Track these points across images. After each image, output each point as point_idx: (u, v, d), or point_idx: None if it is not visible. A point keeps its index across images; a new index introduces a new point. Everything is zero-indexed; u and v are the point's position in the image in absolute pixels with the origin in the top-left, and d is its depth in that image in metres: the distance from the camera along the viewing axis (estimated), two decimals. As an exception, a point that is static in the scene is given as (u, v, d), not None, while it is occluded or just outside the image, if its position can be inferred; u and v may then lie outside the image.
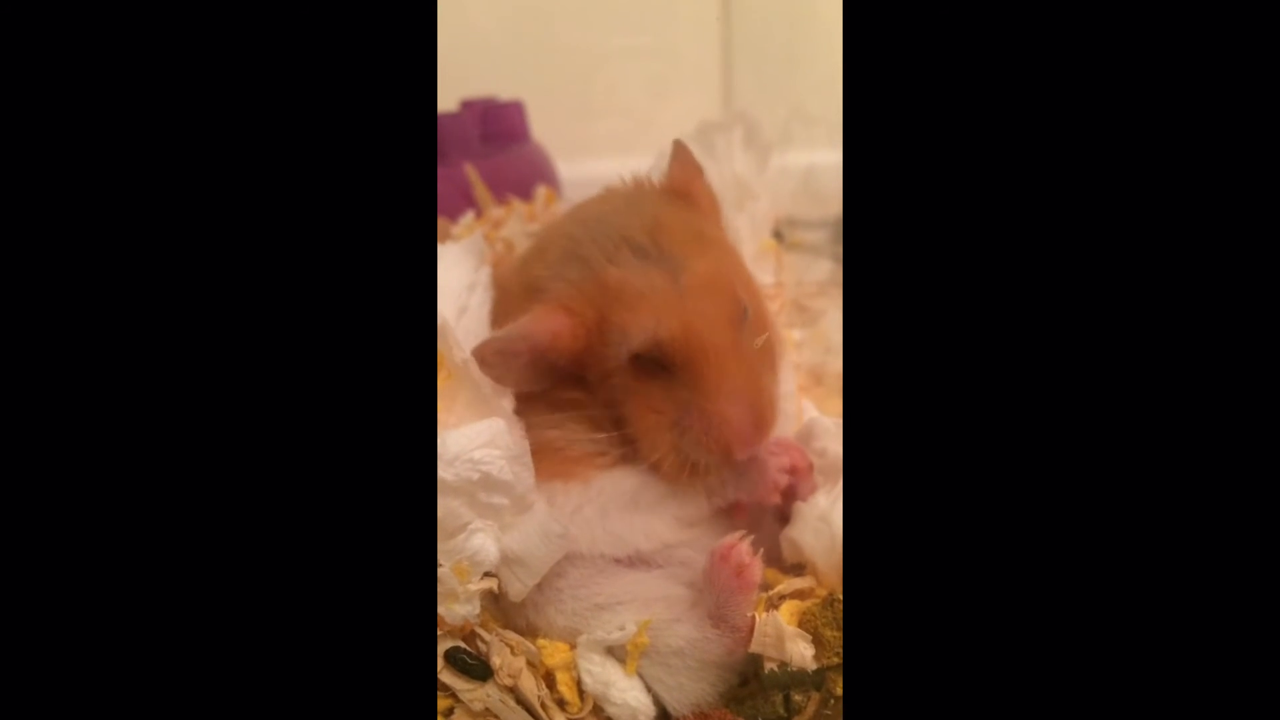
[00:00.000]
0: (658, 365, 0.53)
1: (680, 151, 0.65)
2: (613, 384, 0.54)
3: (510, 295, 0.59)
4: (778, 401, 0.55)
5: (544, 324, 0.54)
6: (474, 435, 0.50)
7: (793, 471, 0.58)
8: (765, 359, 0.56)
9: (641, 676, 0.52)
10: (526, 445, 0.52)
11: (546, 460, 0.54)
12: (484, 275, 0.63)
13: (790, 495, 0.58)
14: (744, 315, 0.55)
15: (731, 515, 0.57)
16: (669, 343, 0.52)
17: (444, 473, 0.49)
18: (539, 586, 0.54)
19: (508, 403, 0.55)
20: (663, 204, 0.60)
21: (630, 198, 0.61)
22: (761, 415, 0.53)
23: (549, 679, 0.53)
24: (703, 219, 0.62)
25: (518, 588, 0.53)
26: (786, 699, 0.51)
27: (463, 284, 0.61)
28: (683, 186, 0.63)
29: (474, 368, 0.54)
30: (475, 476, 0.49)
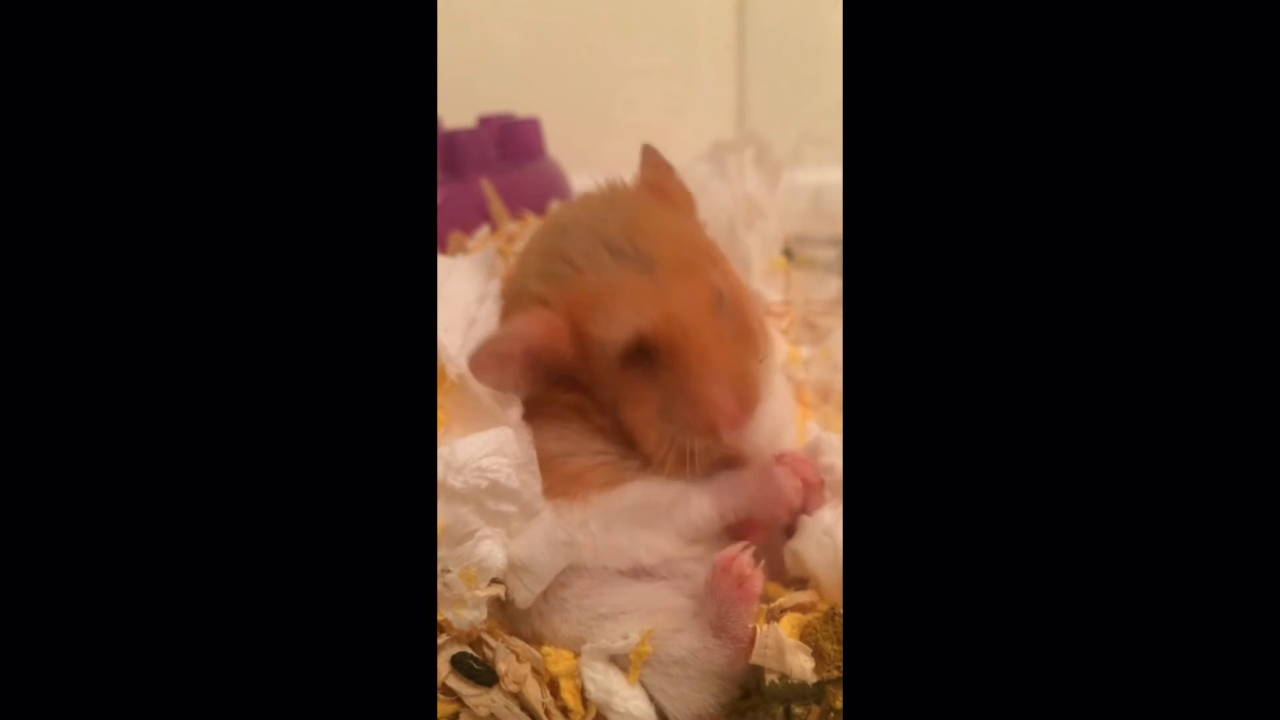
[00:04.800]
0: (643, 357, 0.54)
1: (649, 154, 0.67)
2: (607, 388, 0.55)
3: (506, 303, 0.61)
4: (760, 381, 0.56)
5: (534, 326, 0.55)
6: (482, 443, 0.51)
7: (804, 486, 0.59)
8: (745, 340, 0.58)
9: (644, 686, 0.53)
10: (534, 453, 0.53)
11: (549, 477, 0.55)
12: (494, 288, 0.64)
13: (799, 509, 0.59)
14: (720, 301, 0.56)
15: (744, 534, 0.58)
16: (649, 333, 0.53)
17: (452, 480, 0.50)
18: (544, 596, 0.54)
19: (513, 411, 0.56)
20: (638, 204, 0.61)
21: (607, 200, 0.63)
22: (745, 393, 0.53)
23: (553, 686, 0.54)
24: (677, 214, 0.63)
25: (524, 595, 0.53)
26: (787, 712, 0.52)
27: (472, 296, 0.62)
28: (655, 184, 0.64)
29: (471, 381, 0.55)
30: (483, 484, 0.50)
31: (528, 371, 0.56)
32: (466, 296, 0.62)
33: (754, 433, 0.57)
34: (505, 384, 0.56)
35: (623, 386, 0.55)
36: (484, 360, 0.55)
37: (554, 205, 0.96)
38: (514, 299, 0.59)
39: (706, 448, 0.55)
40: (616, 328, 0.53)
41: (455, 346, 0.57)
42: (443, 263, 0.65)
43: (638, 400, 0.55)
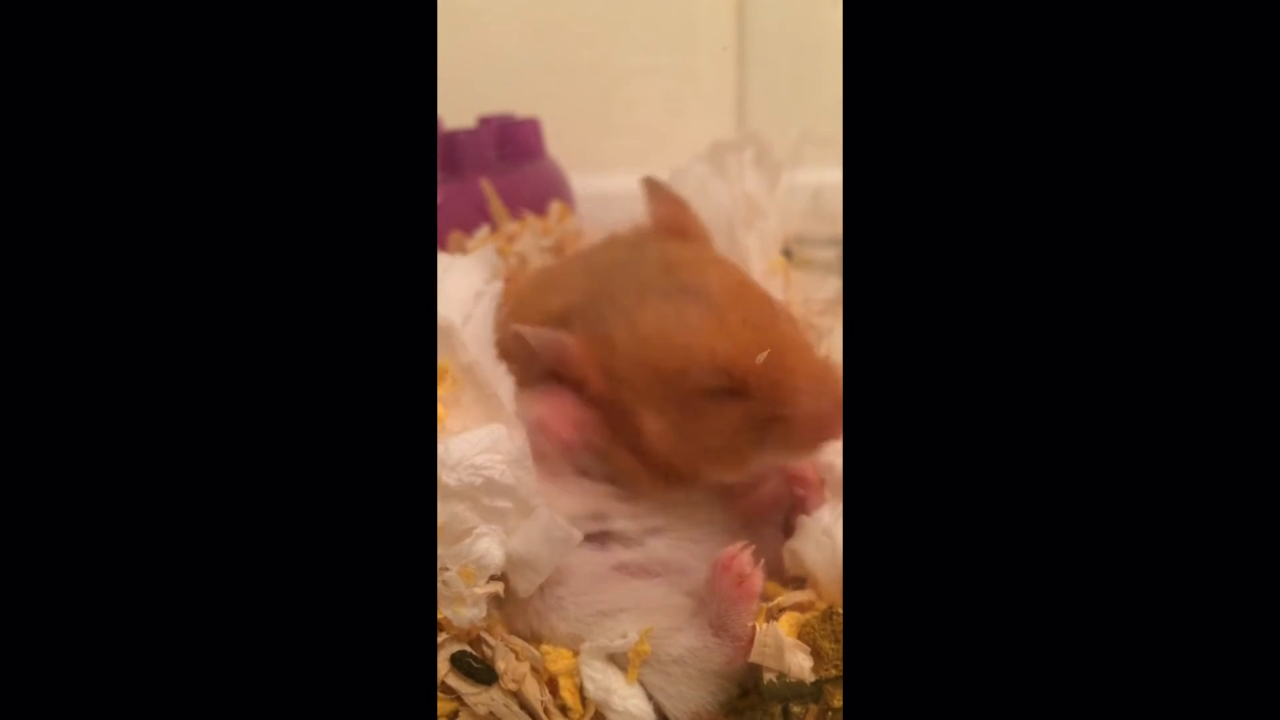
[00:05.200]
0: (723, 390, 0.53)
1: (654, 189, 0.66)
2: (670, 414, 0.55)
3: (531, 320, 0.60)
4: (835, 368, 0.55)
5: (578, 363, 0.55)
6: (475, 441, 0.51)
7: (803, 484, 0.59)
8: (804, 338, 0.58)
9: (643, 684, 0.53)
10: (528, 449, 0.53)
11: None
12: (494, 287, 0.64)
13: (799, 508, 0.59)
14: (778, 312, 0.56)
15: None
16: (730, 367, 0.53)
17: (447, 478, 0.50)
18: (542, 594, 0.54)
19: (510, 406, 0.56)
20: (664, 243, 0.61)
21: (632, 245, 0.63)
22: (833, 393, 0.53)
23: (552, 685, 0.54)
24: (702, 247, 0.63)
25: (525, 586, 0.53)
26: (785, 710, 0.52)
27: (470, 292, 0.62)
28: (672, 223, 0.64)
29: (480, 369, 0.55)
30: (478, 481, 0.50)
31: (547, 379, 0.56)
32: (464, 293, 0.63)
33: None
34: (522, 361, 0.57)
35: (696, 415, 0.54)
36: (534, 338, 0.55)
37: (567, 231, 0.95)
38: (553, 322, 0.58)
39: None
40: (694, 369, 0.53)
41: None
42: (442, 260, 0.65)
43: (723, 429, 0.54)
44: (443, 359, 0.57)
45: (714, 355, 0.53)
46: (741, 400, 0.53)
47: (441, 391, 0.56)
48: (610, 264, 0.60)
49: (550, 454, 0.56)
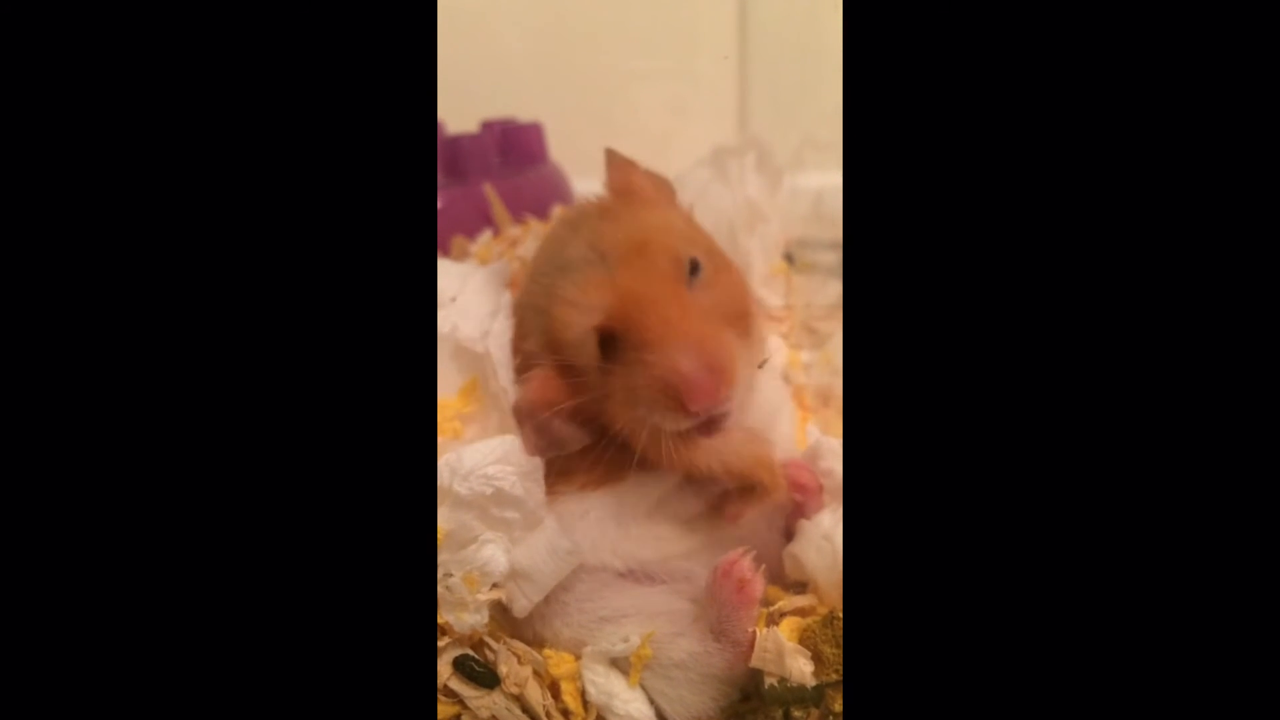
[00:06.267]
0: (613, 349, 0.52)
1: (612, 157, 0.66)
2: (598, 393, 0.54)
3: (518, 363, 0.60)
4: (735, 353, 0.52)
5: (530, 391, 0.54)
6: (488, 451, 0.51)
7: (801, 490, 0.59)
8: (725, 310, 0.55)
9: (644, 688, 0.53)
10: (539, 463, 0.54)
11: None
12: (506, 300, 0.64)
13: (798, 513, 0.59)
14: (690, 269, 0.54)
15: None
16: (605, 321, 0.51)
17: (458, 486, 0.50)
18: (546, 598, 0.55)
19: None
20: (601, 215, 0.60)
21: (573, 224, 0.61)
22: (715, 361, 0.49)
23: (554, 689, 0.54)
24: (642, 203, 0.61)
25: (522, 603, 0.54)
26: (786, 715, 0.52)
27: (486, 310, 0.63)
28: (621, 185, 0.63)
29: (504, 399, 0.55)
30: (488, 491, 0.51)
31: (565, 425, 0.55)
32: (481, 310, 0.63)
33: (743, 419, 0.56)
34: (557, 444, 0.55)
35: (607, 388, 0.53)
36: (530, 437, 0.54)
37: (540, 229, 0.95)
38: (519, 359, 0.59)
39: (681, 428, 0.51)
40: (575, 328, 0.52)
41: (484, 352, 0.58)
42: (457, 271, 0.66)
43: (612, 383, 0.52)
44: (472, 376, 0.57)
45: (593, 309, 0.52)
46: (621, 350, 0.52)
47: (467, 409, 0.57)
48: (547, 260, 0.59)
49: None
